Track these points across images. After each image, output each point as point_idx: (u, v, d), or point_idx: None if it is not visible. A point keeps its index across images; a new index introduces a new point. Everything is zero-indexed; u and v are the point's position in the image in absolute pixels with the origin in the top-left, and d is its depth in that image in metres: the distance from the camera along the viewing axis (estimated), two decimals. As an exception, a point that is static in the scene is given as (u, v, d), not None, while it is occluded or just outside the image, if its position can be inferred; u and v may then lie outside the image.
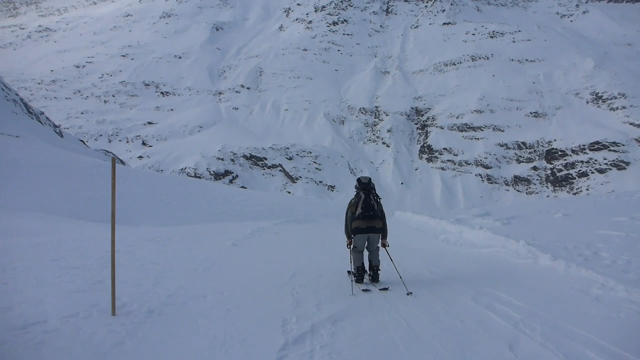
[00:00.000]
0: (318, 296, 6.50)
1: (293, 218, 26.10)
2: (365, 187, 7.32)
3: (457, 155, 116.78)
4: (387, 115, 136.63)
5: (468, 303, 5.97)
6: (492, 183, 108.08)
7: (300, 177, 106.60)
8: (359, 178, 7.46)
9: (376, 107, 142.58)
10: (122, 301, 5.94)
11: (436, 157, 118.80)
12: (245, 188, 77.36)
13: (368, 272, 7.46)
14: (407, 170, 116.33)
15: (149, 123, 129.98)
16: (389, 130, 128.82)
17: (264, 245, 12.44)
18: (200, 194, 29.70)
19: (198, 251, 10.43)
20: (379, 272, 7.37)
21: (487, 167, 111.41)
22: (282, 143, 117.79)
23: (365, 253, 7.54)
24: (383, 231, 7.28)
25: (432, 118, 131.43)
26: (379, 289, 6.85)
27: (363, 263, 7.44)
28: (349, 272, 7.70)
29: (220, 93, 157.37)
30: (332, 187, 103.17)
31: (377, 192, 7.43)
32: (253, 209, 28.66)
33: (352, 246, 7.39)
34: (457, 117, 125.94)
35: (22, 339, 4.60)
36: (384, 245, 7.32)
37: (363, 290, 6.82)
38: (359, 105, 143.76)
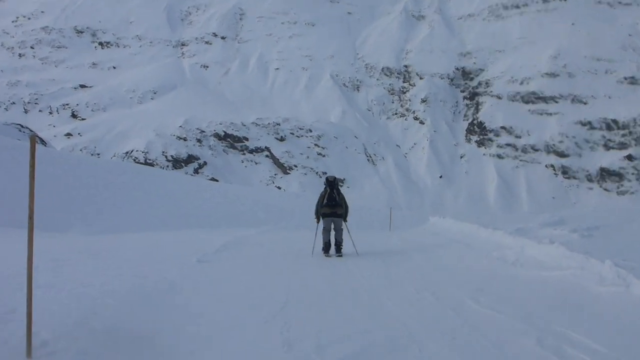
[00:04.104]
0: (318, 335, 6.54)
1: (285, 224, 26.09)
2: (331, 184, 14.24)
3: (520, 137, 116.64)
4: (421, 78, 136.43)
5: (529, 347, 6.00)
6: (569, 178, 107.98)
7: (296, 165, 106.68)
8: (326, 177, 14.47)
9: (406, 66, 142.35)
10: (41, 338, 5.96)
11: (490, 139, 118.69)
12: (217, 180, 77.34)
13: (334, 246, 14.06)
14: (448, 158, 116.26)
15: (82, 86, 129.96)
16: (423, 101, 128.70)
17: (244, 262, 12.49)
18: (153, 188, 29.70)
19: (149, 269, 10.47)
20: (341, 247, 13.98)
21: (562, 155, 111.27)
22: (271, 117, 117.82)
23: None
24: (344, 215, 14.33)
25: (486, 84, 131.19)
26: (337, 256, 13.72)
27: (329, 240, 14.15)
28: (322, 248, 14.19)
29: (183, 45, 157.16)
30: (340, 181, 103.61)
31: (339, 189, 14.49)
32: (228, 210, 28.66)
33: (322, 227, 14.29)
34: (521, 83, 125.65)
35: None
36: (345, 221, 14.39)
37: (326, 256, 13.82)
38: (382, 63, 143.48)
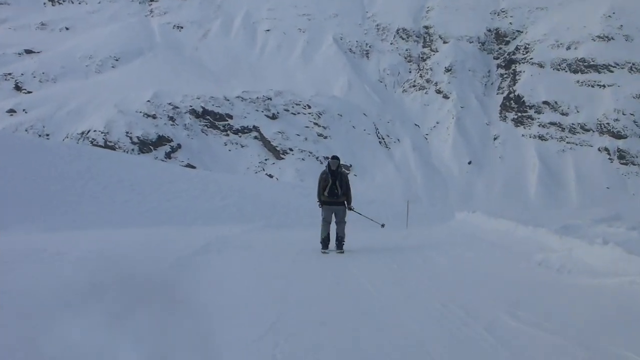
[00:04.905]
0: (318, 357, 6.53)
1: (277, 221, 26.11)
2: (333, 174, 14.83)
3: (566, 114, 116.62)
4: (445, 42, 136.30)
5: (578, 372, 6.00)
6: (626, 164, 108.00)
7: (291, 149, 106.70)
8: (329, 162, 15.01)
9: (426, 27, 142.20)
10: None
11: (531, 117, 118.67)
12: (194, 167, 77.41)
13: (335, 242, 14.97)
14: (478, 140, 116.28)
15: (28, 52, 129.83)
16: (448, 70, 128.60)
17: (227, 268, 12.52)
18: (115, 176, 29.72)
19: (112, 277, 10.44)
20: (343, 242, 14.93)
21: (618, 136, 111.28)
22: (261, 90, 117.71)
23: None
24: (347, 202, 15.21)
25: (525, 49, 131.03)
26: (337, 252, 14.68)
27: (328, 234, 14.96)
28: (320, 242, 15.03)
29: (151, 0, 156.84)
30: (346, 168, 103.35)
31: (342, 173, 15.14)
32: (207, 204, 28.71)
33: (322, 217, 15.12)
34: (568, 48, 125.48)
35: None
36: (350, 209, 15.45)
37: (323, 253, 14.60)
38: (396, 24, 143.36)
